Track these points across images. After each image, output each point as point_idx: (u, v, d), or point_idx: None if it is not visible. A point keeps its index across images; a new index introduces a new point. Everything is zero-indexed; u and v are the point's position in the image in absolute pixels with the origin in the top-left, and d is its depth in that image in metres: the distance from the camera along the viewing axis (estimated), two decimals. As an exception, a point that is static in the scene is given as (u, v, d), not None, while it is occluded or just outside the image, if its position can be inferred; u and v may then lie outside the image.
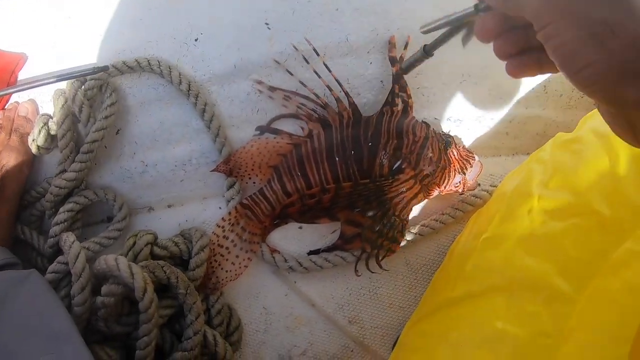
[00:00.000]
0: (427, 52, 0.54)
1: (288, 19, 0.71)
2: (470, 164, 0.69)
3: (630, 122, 0.40)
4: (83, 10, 0.74)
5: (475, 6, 0.45)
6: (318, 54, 0.69)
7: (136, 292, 0.61)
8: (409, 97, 0.69)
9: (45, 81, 0.70)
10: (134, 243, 0.68)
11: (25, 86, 0.70)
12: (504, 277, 0.60)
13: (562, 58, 0.38)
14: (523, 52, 0.45)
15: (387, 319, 0.72)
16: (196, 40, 0.71)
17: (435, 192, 0.70)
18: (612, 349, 0.51)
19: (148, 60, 0.70)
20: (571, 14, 0.37)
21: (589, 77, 0.37)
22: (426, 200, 0.71)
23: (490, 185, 0.73)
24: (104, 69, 0.70)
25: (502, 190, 0.68)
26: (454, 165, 0.69)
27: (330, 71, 0.69)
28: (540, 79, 0.74)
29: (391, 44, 0.70)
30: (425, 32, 0.52)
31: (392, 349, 0.71)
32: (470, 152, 0.70)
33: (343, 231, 0.70)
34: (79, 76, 0.69)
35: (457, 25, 0.49)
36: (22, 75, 0.75)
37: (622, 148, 0.59)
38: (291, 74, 0.70)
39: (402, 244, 0.70)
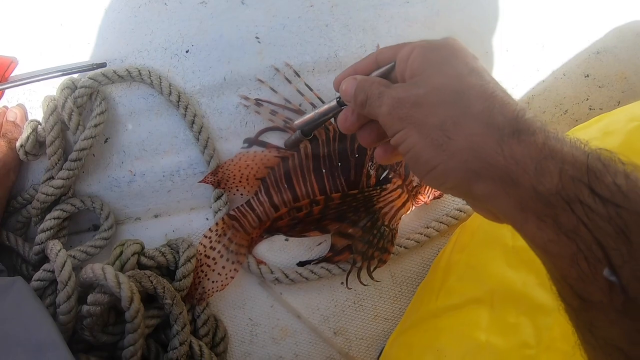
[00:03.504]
0: (304, 134, 0.61)
1: (278, 34, 0.72)
2: None
3: (488, 210, 0.41)
4: (75, 17, 0.74)
5: (337, 100, 0.51)
6: (299, 76, 0.71)
7: (123, 302, 0.61)
8: None
9: (43, 76, 0.69)
10: (121, 252, 0.67)
11: (24, 81, 0.69)
12: (486, 289, 0.61)
13: (410, 162, 0.41)
14: (386, 139, 0.48)
15: (372, 331, 0.73)
16: (187, 51, 0.72)
17: (422, 201, 0.71)
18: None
19: (139, 70, 0.70)
20: (412, 122, 0.40)
21: (436, 179, 0.40)
22: (412, 212, 0.72)
23: (474, 200, 0.75)
24: (102, 65, 0.70)
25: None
26: None
27: (311, 90, 0.71)
28: (522, 94, 0.77)
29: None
30: (298, 127, 0.59)
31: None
32: None
33: (333, 243, 0.71)
34: (77, 72, 0.70)
35: (326, 118, 0.56)
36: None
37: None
38: (275, 92, 0.71)
39: (392, 253, 0.70)
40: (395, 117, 0.41)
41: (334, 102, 0.52)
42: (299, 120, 0.58)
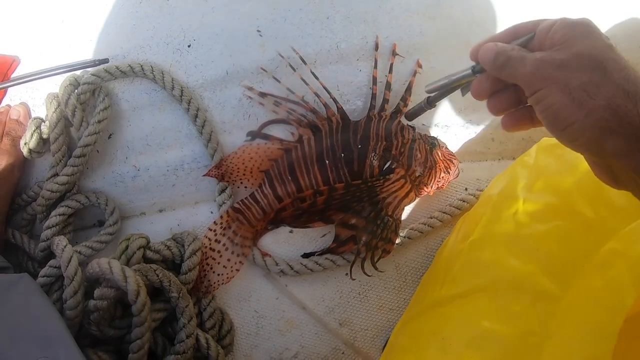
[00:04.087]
0: (429, 103, 0.60)
1: (279, 26, 0.72)
2: (453, 163, 0.72)
3: (610, 168, 0.46)
4: (76, 14, 0.74)
5: (472, 68, 0.52)
6: (305, 62, 0.71)
7: (129, 295, 0.62)
8: (405, 104, 0.72)
9: (45, 74, 0.70)
10: (127, 247, 0.68)
11: (26, 79, 0.69)
12: (490, 278, 0.62)
13: (548, 119, 0.45)
14: (515, 107, 0.52)
15: (377, 321, 0.73)
16: (189, 46, 0.72)
17: (425, 191, 0.71)
18: (596, 345, 0.52)
19: (141, 65, 0.70)
20: (555, 82, 0.44)
21: (572, 134, 0.44)
22: (415, 203, 0.73)
23: (477, 190, 0.75)
24: (104, 61, 0.70)
25: (489, 194, 0.70)
26: (440, 165, 0.71)
27: (317, 78, 0.71)
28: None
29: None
30: (429, 92, 0.58)
31: (383, 350, 0.72)
32: (452, 153, 0.72)
33: (337, 233, 0.71)
34: (79, 68, 0.70)
35: (457, 85, 0.55)
36: (15, 78, 0.75)
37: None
38: (278, 81, 0.71)
39: (397, 242, 0.71)
40: (539, 76, 0.45)
41: (467, 70, 0.53)
42: (430, 86, 0.58)
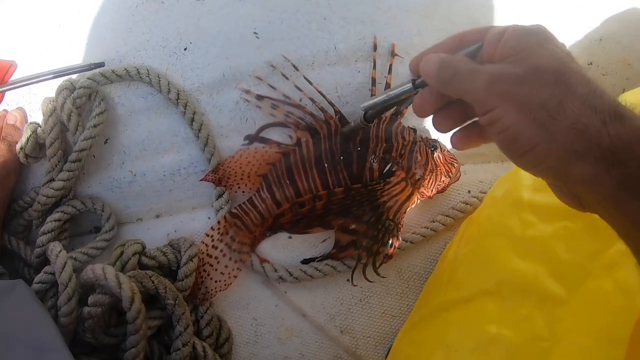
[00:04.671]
0: (367, 120, 0.58)
1: (276, 28, 0.71)
2: (454, 167, 0.70)
3: (575, 194, 0.41)
4: (73, 18, 0.74)
5: (413, 82, 0.48)
6: (297, 69, 0.70)
7: (124, 302, 0.60)
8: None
9: (40, 78, 0.69)
10: (122, 253, 0.67)
11: (22, 83, 0.69)
12: (495, 281, 0.60)
13: (505, 142, 0.40)
14: (463, 124, 0.48)
15: (379, 328, 0.71)
16: (185, 49, 0.72)
17: (425, 195, 0.70)
18: (607, 350, 0.51)
19: (137, 69, 0.70)
20: (512, 100, 0.39)
21: (533, 160, 0.39)
22: (417, 206, 0.71)
23: (480, 192, 0.73)
24: (100, 65, 0.70)
25: (492, 196, 0.68)
26: (441, 169, 0.69)
27: (311, 83, 0.70)
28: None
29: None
30: (365, 109, 0.56)
31: (386, 358, 0.70)
32: (454, 156, 0.71)
33: (337, 239, 0.69)
34: (75, 72, 0.70)
35: (396, 101, 0.52)
36: (12, 83, 0.75)
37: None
38: (274, 89, 0.70)
39: (398, 248, 0.69)
40: (493, 93, 0.40)
41: (408, 85, 0.48)
42: (366, 103, 0.54)
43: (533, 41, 0.40)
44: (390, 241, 0.68)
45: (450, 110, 0.47)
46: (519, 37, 0.41)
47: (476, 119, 0.47)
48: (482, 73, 0.41)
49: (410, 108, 0.70)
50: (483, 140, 0.48)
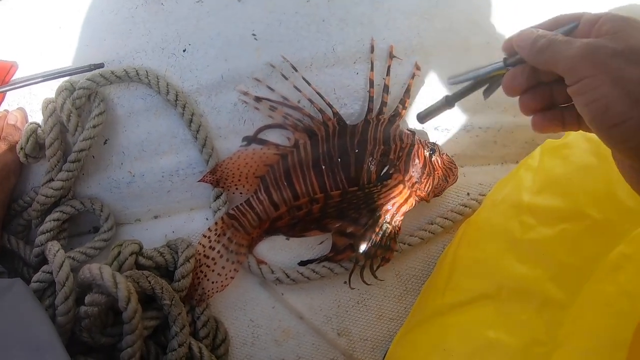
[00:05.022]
0: (448, 102, 0.53)
1: (275, 30, 0.71)
2: (452, 171, 0.69)
3: None
4: (73, 20, 0.75)
5: (504, 60, 0.47)
6: (296, 70, 0.70)
7: (120, 302, 0.60)
8: (404, 107, 0.70)
9: (40, 79, 0.70)
10: (119, 252, 0.67)
11: (22, 84, 0.70)
12: (494, 285, 0.59)
13: (595, 113, 0.39)
14: (547, 108, 0.47)
15: (376, 331, 0.70)
16: (184, 50, 0.72)
17: (422, 198, 0.69)
18: (608, 354, 0.50)
19: (136, 70, 0.70)
20: (607, 71, 0.38)
21: (623, 134, 0.38)
22: (415, 209, 0.70)
23: (479, 194, 0.73)
24: (100, 66, 0.70)
25: (492, 199, 0.68)
26: (438, 173, 0.68)
27: (309, 84, 0.70)
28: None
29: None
30: (452, 83, 0.52)
31: (382, 361, 0.69)
32: (452, 161, 0.70)
33: (334, 242, 0.69)
34: (75, 73, 0.70)
35: (483, 79, 0.50)
36: (13, 83, 0.76)
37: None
38: (272, 90, 0.70)
39: (396, 251, 0.68)
40: (589, 62, 0.39)
41: (499, 62, 0.47)
42: (454, 78, 0.51)
43: (631, 25, 0.40)
44: (388, 244, 0.68)
45: (538, 92, 0.47)
46: (617, 20, 0.41)
47: (562, 105, 0.47)
48: (577, 43, 0.40)
49: (407, 113, 0.70)
50: (562, 126, 0.48)
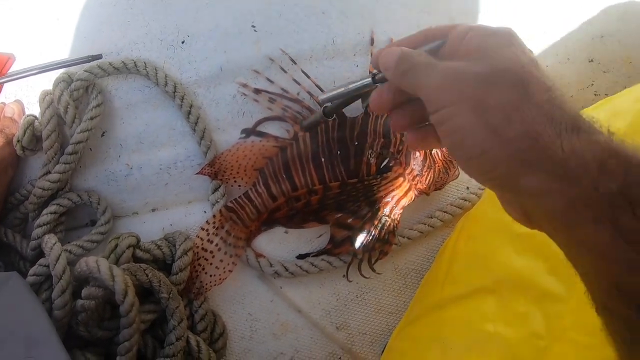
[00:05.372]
0: (327, 114, 0.57)
1: (274, 22, 0.71)
2: (452, 165, 0.69)
3: (524, 208, 0.38)
4: (71, 11, 0.74)
5: (373, 76, 0.46)
6: (295, 63, 0.70)
7: (116, 295, 0.60)
8: None
9: (38, 70, 0.69)
10: (116, 245, 0.66)
11: (20, 75, 0.69)
12: (493, 278, 0.59)
13: (453, 144, 0.38)
14: (420, 124, 0.45)
15: (375, 325, 0.70)
16: (183, 42, 0.71)
17: (422, 192, 0.69)
18: (607, 347, 0.49)
19: (135, 62, 0.70)
20: (466, 99, 0.36)
21: (481, 166, 0.37)
22: (415, 202, 0.70)
23: (479, 188, 0.72)
24: (98, 57, 0.70)
25: (491, 192, 0.67)
26: (439, 165, 0.68)
27: (309, 77, 0.69)
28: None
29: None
30: (323, 102, 0.54)
31: (381, 355, 0.69)
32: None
33: (333, 234, 0.69)
34: (72, 64, 0.69)
35: (355, 95, 0.50)
36: (10, 75, 0.75)
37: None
38: (272, 82, 0.70)
39: (394, 244, 0.68)
40: (447, 90, 0.37)
41: (367, 79, 0.47)
42: (325, 95, 0.53)
43: (497, 43, 0.38)
44: (387, 237, 0.67)
45: (407, 109, 0.45)
46: (483, 36, 0.39)
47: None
48: (439, 68, 0.38)
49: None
50: (438, 143, 0.45)
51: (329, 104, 0.56)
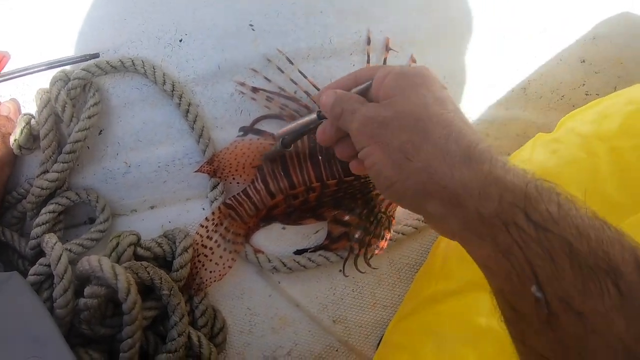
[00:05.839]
0: (285, 146, 0.63)
1: (272, 20, 0.71)
2: None
3: (442, 227, 0.44)
4: (67, 9, 0.73)
5: (317, 113, 0.54)
6: (292, 63, 0.71)
7: (119, 293, 0.61)
8: None
9: (35, 69, 0.69)
10: (117, 244, 0.67)
11: (16, 74, 0.69)
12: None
13: (373, 177, 0.46)
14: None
15: (371, 318, 0.72)
16: (181, 40, 0.71)
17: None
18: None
19: (132, 60, 0.70)
20: (377, 141, 0.44)
21: (395, 194, 0.44)
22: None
23: (472, 185, 0.74)
24: (95, 56, 0.70)
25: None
26: None
27: (305, 77, 0.70)
28: (519, 80, 0.76)
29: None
30: (278, 137, 0.62)
31: (377, 347, 0.71)
32: None
33: (330, 231, 0.70)
34: (69, 63, 0.69)
35: (306, 129, 0.59)
36: (6, 73, 0.74)
37: (601, 147, 0.60)
38: (269, 81, 0.70)
39: (389, 240, 0.70)
40: (363, 134, 0.45)
41: (314, 115, 0.55)
42: (280, 131, 0.61)
43: (407, 84, 0.45)
44: (382, 233, 0.69)
45: (348, 141, 0.50)
46: (397, 79, 0.46)
47: None
48: (358, 114, 0.46)
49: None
50: None
51: (286, 137, 0.63)
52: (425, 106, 0.43)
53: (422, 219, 0.72)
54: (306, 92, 0.70)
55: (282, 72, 0.70)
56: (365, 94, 0.50)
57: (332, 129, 0.51)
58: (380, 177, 0.44)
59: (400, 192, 0.43)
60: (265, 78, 0.70)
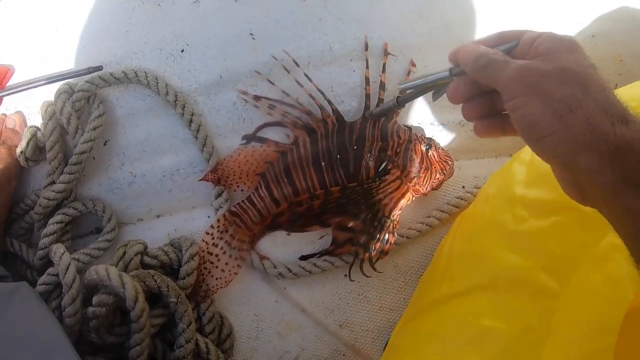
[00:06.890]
0: (399, 103, 0.60)
1: (272, 29, 0.72)
2: (448, 164, 0.71)
3: (579, 185, 0.46)
4: (70, 22, 0.74)
5: (450, 70, 0.52)
6: (298, 65, 0.71)
7: (127, 302, 0.61)
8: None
9: (39, 83, 0.70)
10: (124, 253, 0.68)
11: (21, 88, 0.70)
12: (489, 276, 0.61)
13: (525, 127, 0.45)
14: (489, 115, 0.53)
15: (377, 322, 0.73)
16: (182, 51, 0.72)
17: (420, 192, 0.71)
18: (597, 340, 0.52)
19: (135, 72, 0.71)
20: (537, 91, 0.44)
21: (548, 145, 0.44)
22: (413, 202, 0.72)
23: (475, 187, 0.75)
24: (98, 69, 0.71)
25: (486, 192, 0.70)
26: (435, 167, 0.70)
27: (310, 80, 0.71)
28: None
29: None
30: (403, 90, 0.58)
31: (383, 351, 0.72)
32: (448, 154, 0.72)
33: (335, 236, 0.71)
34: (73, 76, 0.70)
35: (430, 86, 0.55)
36: (10, 87, 0.75)
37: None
38: (273, 84, 0.71)
39: (394, 244, 0.70)
40: (521, 82, 0.44)
41: (445, 72, 0.52)
42: (404, 84, 0.57)
43: (563, 47, 0.45)
44: (386, 237, 0.70)
45: (479, 101, 0.52)
46: (551, 42, 0.46)
47: (502, 113, 0.52)
48: (513, 64, 0.45)
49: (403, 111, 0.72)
50: (503, 132, 0.52)
51: (400, 96, 0.60)
52: (585, 67, 0.44)
53: (426, 222, 0.73)
54: (311, 96, 0.70)
55: (288, 72, 0.71)
56: (509, 53, 0.49)
57: (466, 86, 0.51)
58: (534, 128, 0.44)
59: (555, 142, 0.43)
60: (269, 81, 0.71)
